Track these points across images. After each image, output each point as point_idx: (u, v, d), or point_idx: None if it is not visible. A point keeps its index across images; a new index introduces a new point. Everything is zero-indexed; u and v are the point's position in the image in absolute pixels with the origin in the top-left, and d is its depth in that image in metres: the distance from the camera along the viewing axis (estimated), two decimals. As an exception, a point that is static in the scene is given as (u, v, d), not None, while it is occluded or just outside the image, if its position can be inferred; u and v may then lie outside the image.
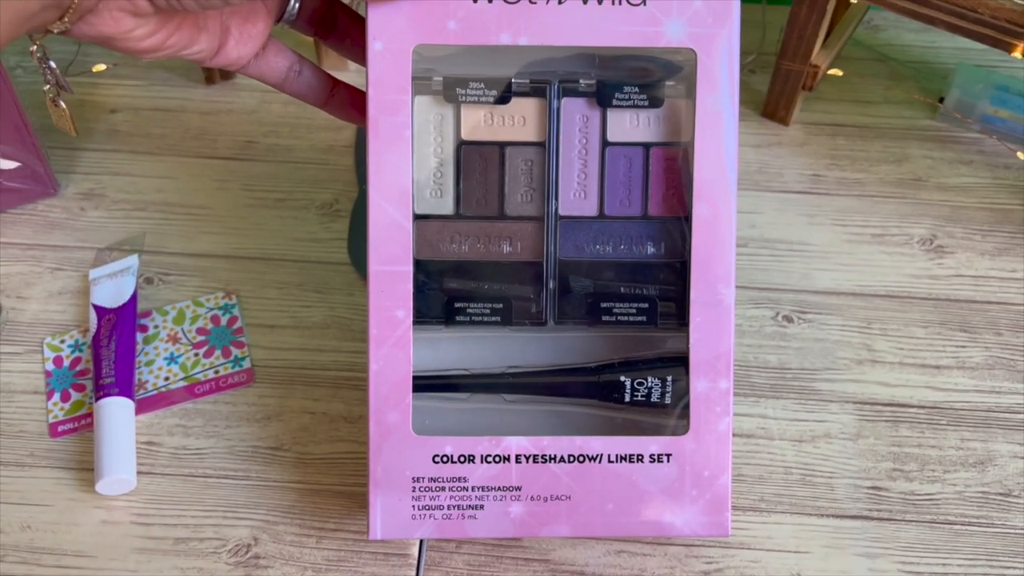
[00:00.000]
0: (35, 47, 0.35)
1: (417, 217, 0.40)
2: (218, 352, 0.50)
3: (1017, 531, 0.45)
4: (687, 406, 0.40)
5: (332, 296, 0.52)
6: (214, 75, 0.62)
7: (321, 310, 0.52)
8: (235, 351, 0.50)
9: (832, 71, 0.59)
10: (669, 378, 0.41)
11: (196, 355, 0.50)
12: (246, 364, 0.49)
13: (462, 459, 0.39)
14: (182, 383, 0.49)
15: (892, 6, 0.51)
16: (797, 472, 0.47)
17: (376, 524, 0.40)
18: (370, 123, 0.38)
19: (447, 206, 0.41)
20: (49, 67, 0.37)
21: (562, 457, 0.40)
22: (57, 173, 0.56)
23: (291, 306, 0.52)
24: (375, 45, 0.38)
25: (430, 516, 0.40)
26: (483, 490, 0.40)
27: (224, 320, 0.51)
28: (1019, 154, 0.57)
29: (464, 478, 0.40)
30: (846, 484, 0.46)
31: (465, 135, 0.41)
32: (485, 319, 0.41)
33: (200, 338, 0.50)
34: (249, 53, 0.39)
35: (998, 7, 0.48)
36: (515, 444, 0.40)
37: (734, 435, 0.47)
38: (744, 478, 0.46)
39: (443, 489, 0.39)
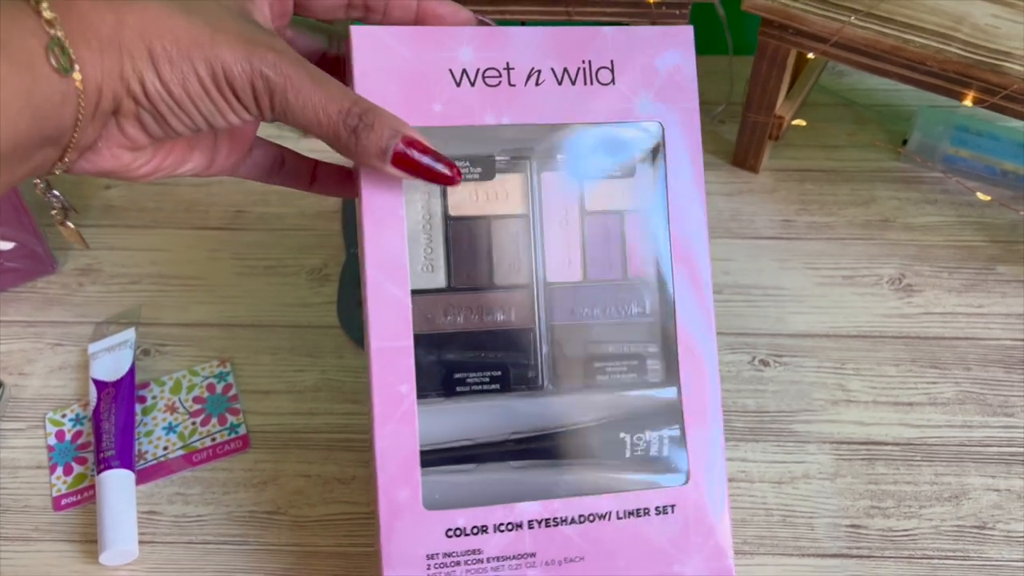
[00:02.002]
0: (38, 181, 0.37)
1: (412, 293, 0.41)
2: (214, 420, 0.51)
3: (993, 563, 0.46)
4: (685, 456, 0.42)
5: (323, 359, 0.54)
6: (203, 148, 0.64)
7: (313, 374, 0.54)
8: (231, 418, 0.52)
9: (796, 122, 0.61)
10: (665, 430, 0.42)
11: (193, 424, 0.51)
12: (242, 430, 0.51)
13: (475, 530, 0.40)
14: (180, 452, 0.50)
15: (847, 60, 0.54)
16: (778, 513, 0.48)
17: None
18: (364, 204, 0.39)
19: (439, 280, 0.42)
20: (54, 195, 0.38)
21: (573, 518, 0.41)
22: (55, 250, 0.58)
23: (284, 371, 0.54)
24: None
25: None
26: (498, 560, 0.40)
27: (219, 388, 0.53)
28: (979, 194, 0.59)
29: (478, 550, 0.40)
30: (826, 523, 0.48)
31: (453, 212, 0.42)
32: (485, 388, 0.42)
33: (197, 407, 0.52)
34: (239, 160, 0.40)
35: (945, 59, 0.51)
36: (527, 510, 0.40)
37: (716, 480, 0.49)
38: (727, 522, 0.48)
39: (458, 563, 0.40)
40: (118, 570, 0.46)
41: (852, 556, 0.47)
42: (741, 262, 0.58)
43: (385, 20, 0.38)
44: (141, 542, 0.47)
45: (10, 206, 0.54)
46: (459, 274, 0.43)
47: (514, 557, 0.40)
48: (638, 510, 0.41)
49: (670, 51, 0.41)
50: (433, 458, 0.41)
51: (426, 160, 0.36)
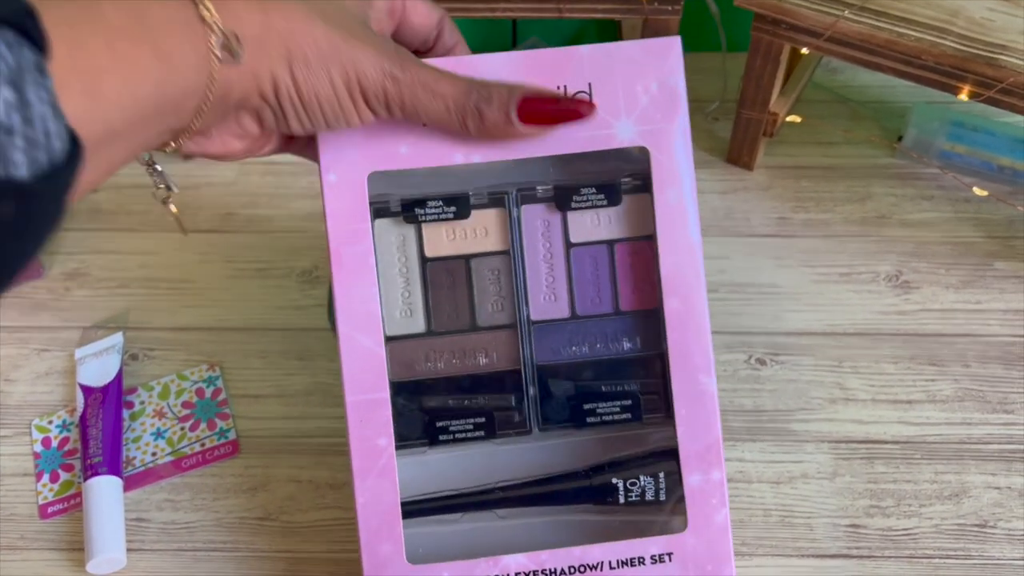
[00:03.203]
0: (143, 156, 0.36)
1: (389, 339, 0.40)
2: (203, 425, 0.51)
3: (994, 561, 0.46)
4: (683, 500, 0.39)
5: (314, 362, 0.53)
6: (192, 150, 0.63)
7: (304, 377, 0.53)
8: (220, 423, 0.51)
9: (791, 118, 0.60)
10: (661, 474, 0.40)
11: (182, 429, 0.51)
12: (231, 435, 0.50)
13: None
14: (169, 458, 0.49)
15: (841, 55, 0.53)
16: (777, 514, 0.48)
17: None
18: (332, 255, 0.38)
19: (418, 325, 0.41)
20: (156, 170, 0.38)
21: (563, 570, 0.39)
22: (42, 255, 0.58)
23: (274, 375, 0.53)
24: (329, 177, 0.38)
25: None
26: None
27: (208, 392, 0.52)
28: (975, 189, 0.58)
29: None
30: (825, 523, 0.47)
31: (429, 252, 0.41)
32: (469, 435, 0.41)
33: (185, 412, 0.51)
34: (306, 145, 0.39)
35: (941, 53, 0.50)
36: (513, 563, 0.39)
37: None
38: (725, 523, 0.47)
39: None
40: (106, 578, 0.46)
41: (852, 556, 0.46)
42: (737, 260, 0.58)
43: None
44: (129, 550, 0.46)
45: (-5, 210, 0.54)
46: (438, 317, 0.41)
47: None
48: (632, 559, 0.39)
49: (654, 68, 0.38)
50: (416, 509, 0.40)
51: (550, 108, 0.37)
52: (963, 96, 0.51)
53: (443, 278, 0.41)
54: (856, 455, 0.49)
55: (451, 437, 0.41)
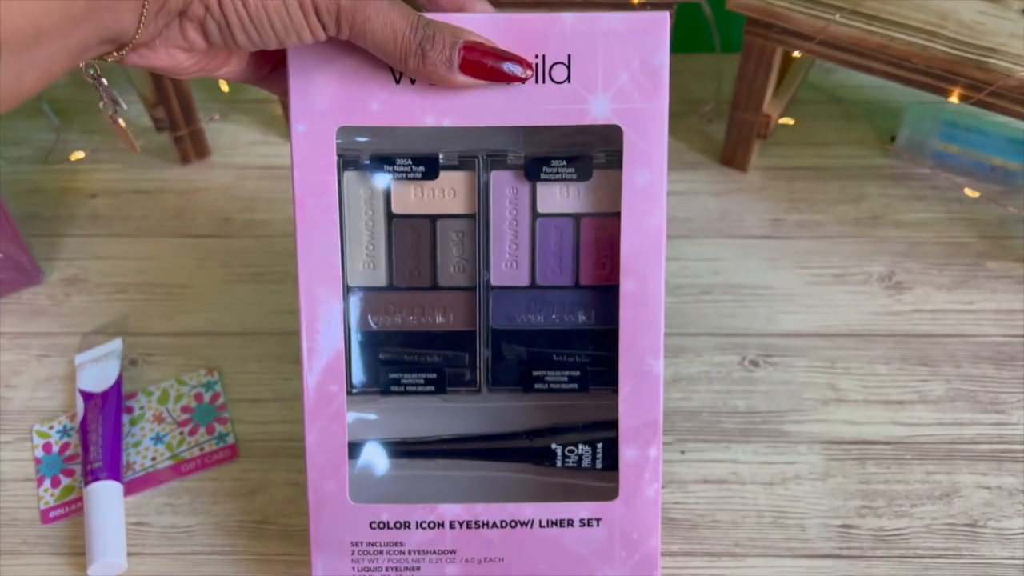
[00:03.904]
0: (86, 66, 0.36)
1: (350, 289, 0.41)
2: (202, 429, 0.51)
3: (984, 560, 0.46)
4: (616, 472, 0.41)
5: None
6: (189, 155, 0.64)
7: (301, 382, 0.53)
8: (219, 427, 0.51)
9: (784, 120, 0.61)
10: (599, 444, 0.42)
11: (181, 434, 0.51)
12: (230, 440, 0.51)
13: (398, 525, 0.41)
14: (169, 462, 0.50)
15: (833, 58, 0.54)
16: (769, 515, 0.48)
17: None
18: (297, 204, 0.38)
19: (380, 278, 0.42)
20: (102, 85, 0.37)
21: (495, 523, 0.41)
22: (40, 260, 0.58)
23: (272, 379, 0.54)
24: (298, 127, 0.38)
25: None
26: (419, 553, 0.41)
27: (207, 397, 0.53)
28: (966, 190, 0.59)
29: (400, 543, 0.41)
30: (817, 524, 0.48)
31: (396, 209, 0.41)
32: (420, 389, 0.42)
33: (184, 416, 0.52)
34: (266, 72, 0.39)
35: (931, 57, 0.51)
36: (449, 511, 0.41)
37: (707, 481, 0.49)
38: (718, 524, 0.48)
39: (381, 552, 0.41)
40: (107, 583, 0.46)
41: (844, 556, 0.47)
42: (730, 262, 0.58)
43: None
44: (130, 554, 0.47)
45: (-6, 217, 0.54)
46: (400, 273, 0.42)
47: (434, 552, 0.41)
48: (562, 520, 0.41)
49: (638, 44, 0.37)
50: (361, 451, 0.42)
51: (490, 63, 0.36)
52: (954, 99, 0.52)
53: (408, 236, 0.42)
54: (848, 456, 0.50)
55: (402, 389, 0.42)
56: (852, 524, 0.48)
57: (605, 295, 0.42)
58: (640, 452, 0.40)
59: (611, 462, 0.41)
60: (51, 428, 0.52)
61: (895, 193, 0.61)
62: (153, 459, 0.50)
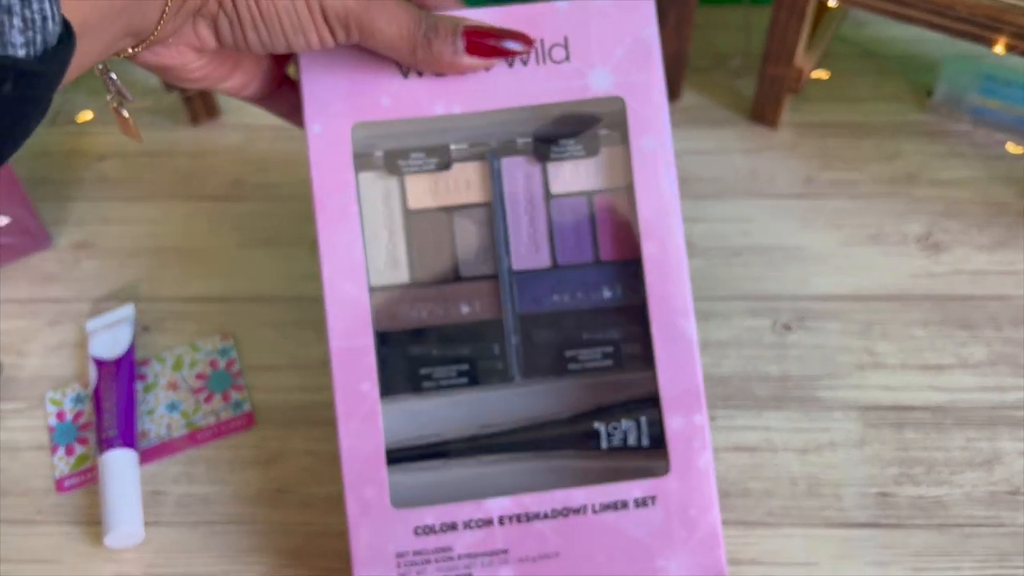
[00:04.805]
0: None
1: (374, 289, 0.41)
2: (218, 397, 0.50)
3: (1028, 530, 0.45)
4: (665, 445, 0.39)
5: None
6: (200, 115, 0.62)
7: (319, 348, 0.52)
8: (235, 395, 0.50)
9: (817, 74, 0.58)
10: (643, 419, 0.40)
11: (196, 401, 0.50)
12: (246, 407, 0.50)
13: (444, 528, 0.39)
14: (184, 431, 0.49)
15: (870, 7, 0.51)
16: (804, 483, 0.46)
17: None
18: (316, 204, 0.39)
19: (402, 275, 0.41)
20: (111, 79, 0.37)
21: (546, 513, 0.39)
22: (49, 225, 0.57)
23: (288, 345, 0.52)
24: (313, 128, 0.39)
25: None
26: (469, 557, 0.39)
27: (222, 364, 0.51)
28: (1008, 145, 0.56)
29: (449, 548, 0.39)
30: (853, 492, 0.46)
31: (412, 205, 0.41)
32: (453, 382, 0.41)
33: (199, 384, 0.50)
34: (269, 91, 0.40)
35: (975, 4, 0.48)
36: (496, 506, 0.39)
37: (739, 449, 0.48)
38: (751, 492, 0.46)
39: (428, 561, 0.39)
40: (124, 552, 0.45)
41: (881, 526, 0.45)
42: (761, 222, 0.56)
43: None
44: (147, 523, 0.46)
45: (1, 179, 0.53)
46: (422, 268, 0.41)
47: (486, 554, 0.39)
48: (615, 503, 0.39)
49: (628, 21, 0.39)
50: (400, 455, 0.40)
51: (492, 42, 0.37)
52: (998, 48, 0.49)
53: (426, 230, 0.42)
54: (885, 422, 0.48)
55: (435, 385, 0.41)
56: (889, 492, 0.46)
57: (627, 269, 0.41)
58: (686, 420, 0.39)
59: (657, 437, 0.40)
60: (64, 396, 0.50)
61: (932, 150, 0.59)
62: (168, 427, 0.49)
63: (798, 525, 0.45)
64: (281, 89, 0.41)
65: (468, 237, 0.41)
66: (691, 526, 0.39)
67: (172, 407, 0.50)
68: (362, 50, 0.37)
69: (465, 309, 0.41)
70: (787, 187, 0.58)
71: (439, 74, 0.38)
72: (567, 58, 0.39)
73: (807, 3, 0.53)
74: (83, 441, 0.49)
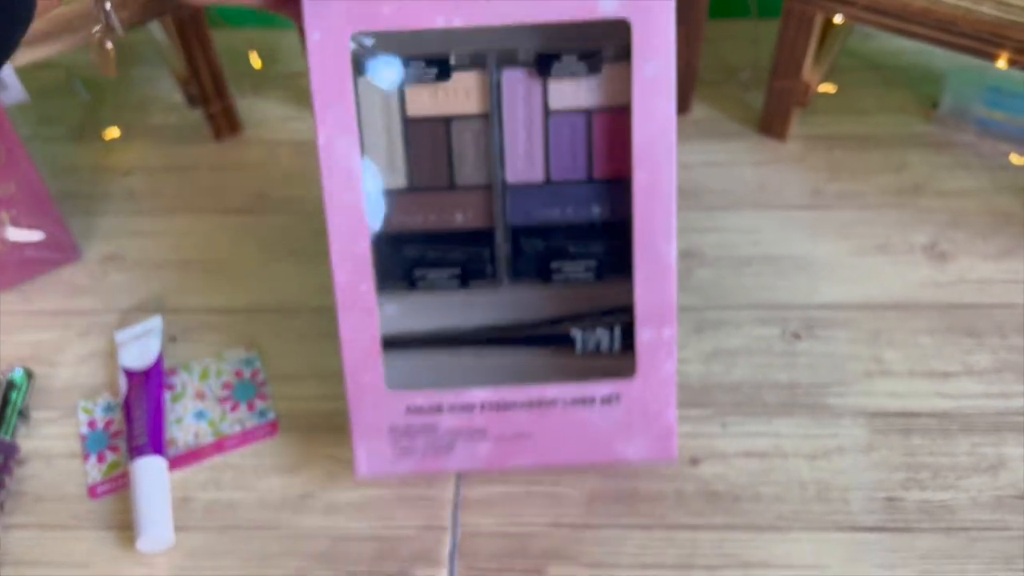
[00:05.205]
0: None
1: (371, 192, 0.43)
2: (243, 406, 0.51)
3: (1033, 534, 0.46)
4: (633, 352, 0.43)
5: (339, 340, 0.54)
6: (222, 130, 0.64)
7: (340, 358, 0.53)
8: (259, 404, 0.52)
9: (824, 87, 0.60)
10: (616, 328, 0.44)
11: (223, 410, 0.51)
12: (271, 416, 0.51)
13: (431, 409, 0.44)
14: (211, 438, 0.50)
15: (876, 23, 0.52)
16: (813, 488, 0.48)
17: (362, 464, 0.45)
18: (316, 113, 0.40)
19: (400, 181, 0.43)
20: (104, 9, 0.38)
21: (521, 403, 0.44)
22: (78, 239, 0.58)
23: (311, 355, 0.54)
24: (313, 36, 0.39)
25: (407, 456, 0.45)
26: (452, 434, 0.44)
27: (247, 374, 0.53)
28: (1012, 157, 0.57)
29: (435, 425, 0.44)
30: (861, 497, 0.47)
31: (411, 112, 0.42)
32: (445, 284, 0.45)
33: (225, 393, 0.52)
34: None
35: (977, 20, 0.49)
36: (478, 395, 0.44)
37: (749, 455, 0.49)
38: (761, 497, 0.47)
39: (417, 434, 0.44)
40: (155, 556, 0.47)
41: (888, 530, 0.46)
42: (771, 233, 0.57)
43: None
44: (176, 528, 0.47)
45: (32, 195, 0.54)
46: (419, 174, 0.44)
47: (467, 431, 0.44)
48: (584, 399, 0.43)
49: None
50: (395, 343, 0.45)
51: None
52: (1001, 63, 0.50)
53: (424, 138, 0.43)
54: (892, 428, 0.49)
55: (428, 285, 0.45)
56: (897, 497, 0.47)
57: (617, 188, 0.43)
58: (655, 332, 0.42)
59: (627, 344, 0.44)
60: (95, 405, 0.52)
61: (938, 161, 0.60)
62: (196, 435, 0.51)
63: (807, 529, 0.46)
64: None
65: (465, 147, 0.43)
66: (649, 421, 0.44)
67: (199, 416, 0.51)
68: None
69: (459, 217, 0.44)
70: (796, 198, 0.59)
71: None
72: None
73: (814, 19, 0.55)
74: (114, 449, 0.50)
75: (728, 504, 0.47)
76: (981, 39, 0.50)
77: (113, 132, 0.64)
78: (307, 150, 0.63)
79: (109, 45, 0.40)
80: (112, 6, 0.38)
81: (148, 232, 0.59)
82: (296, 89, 0.67)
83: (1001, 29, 0.49)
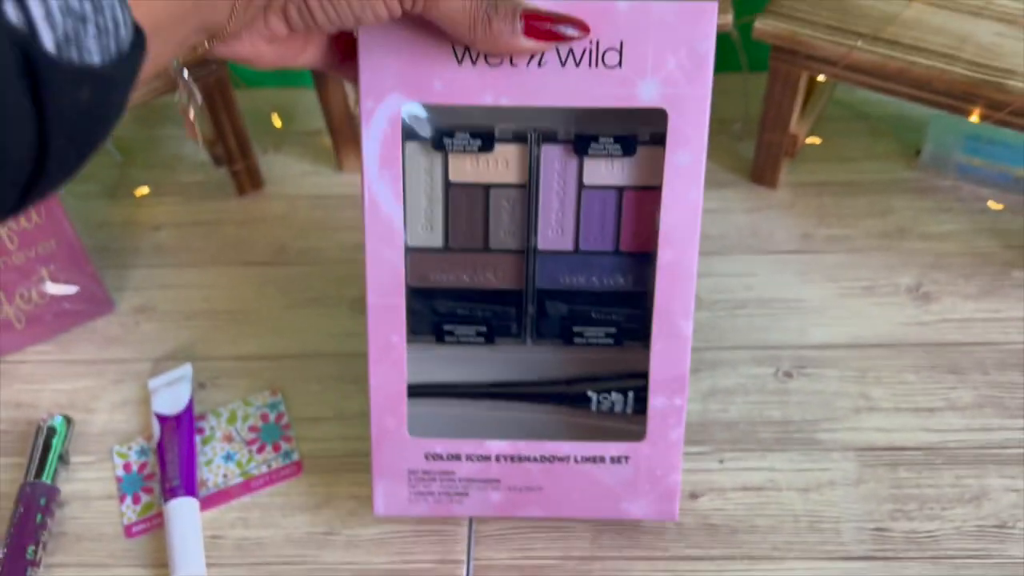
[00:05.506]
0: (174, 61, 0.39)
1: (410, 249, 0.46)
2: (269, 448, 0.55)
3: (1014, 561, 0.48)
4: (645, 417, 0.46)
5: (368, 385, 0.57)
6: (245, 187, 0.68)
7: (360, 399, 0.57)
8: (284, 445, 0.55)
9: (810, 140, 0.63)
10: (630, 392, 0.47)
11: (250, 452, 0.55)
12: (295, 456, 0.54)
13: (450, 457, 0.47)
14: (239, 479, 0.54)
15: (856, 82, 0.56)
16: (805, 520, 0.51)
17: (379, 505, 0.48)
18: (366, 175, 0.42)
19: (437, 240, 0.47)
20: (183, 78, 0.40)
21: (535, 457, 0.46)
22: (111, 291, 0.62)
23: (332, 398, 0.57)
24: (367, 103, 0.41)
25: (423, 500, 0.48)
26: (468, 481, 0.47)
27: (272, 417, 0.56)
28: (990, 203, 0.61)
29: (452, 472, 0.47)
30: (851, 527, 0.50)
31: (453, 178, 0.46)
32: (471, 339, 0.48)
33: (252, 435, 0.55)
34: (340, 60, 0.41)
35: (951, 80, 0.53)
36: (495, 446, 0.47)
37: (745, 488, 0.52)
38: (757, 528, 0.50)
39: (434, 479, 0.47)
40: (188, 592, 0.50)
41: (878, 558, 0.49)
42: (763, 277, 0.61)
43: None
44: (208, 565, 0.50)
45: (68, 250, 0.58)
46: (455, 236, 0.47)
47: (481, 480, 0.47)
48: (595, 457, 0.46)
49: (687, 31, 0.39)
50: (420, 391, 0.48)
51: (549, 26, 0.38)
52: (974, 118, 0.54)
53: (463, 202, 0.46)
54: (880, 462, 0.52)
55: (456, 339, 0.48)
56: (885, 527, 0.50)
57: (641, 261, 0.46)
58: (667, 401, 0.45)
59: (640, 408, 0.46)
60: (129, 448, 0.55)
61: (921, 206, 0.64)
62: (224, 476, 0.54)
63: (801, 559, 0.49)
64: (351, 58, 0.41)
65: (501, 213, 0.46)
66: (655, 482, 0.46)
67: (228, 458, 0.55)
68: (419, 33, 0.39)
69: (490, 277, 0.47)
70: (786, 243, 0.62)
71: (494, 55, 0.39)
72: (619, 64, 0.39)
73: (799, 77, 0.58)
74: (148, 490, 0.54)
75: (726, 536, 0.50)
76: (955, 96, 0.54)
77: (143, 190, 0.68)
78: (324, 203, 0.67)
79: (192, 113, 0.41)
80: (190, 76, 0.40)
81: (177, 284, 0.63)
82: (313, 146, 0.71)
83: (973, 88, 0.53)
